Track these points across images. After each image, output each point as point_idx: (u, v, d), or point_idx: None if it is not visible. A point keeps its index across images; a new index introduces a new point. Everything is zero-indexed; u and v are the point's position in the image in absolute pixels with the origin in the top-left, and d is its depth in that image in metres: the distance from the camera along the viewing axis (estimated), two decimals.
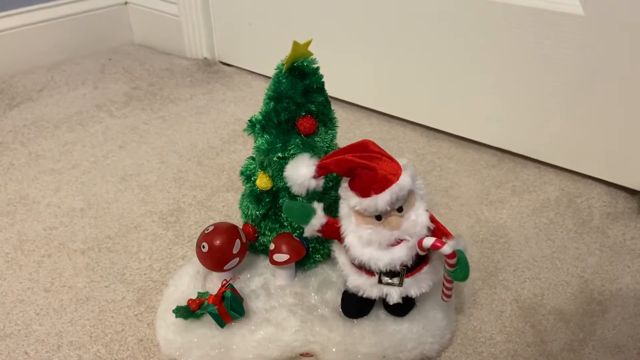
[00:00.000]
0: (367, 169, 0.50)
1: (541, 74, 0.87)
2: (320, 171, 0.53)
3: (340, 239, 0.55)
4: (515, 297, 0.70)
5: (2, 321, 0.66)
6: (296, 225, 0.64)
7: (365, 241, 0.52)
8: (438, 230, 0.54)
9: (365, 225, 0.52)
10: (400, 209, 0.52)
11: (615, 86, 0.81)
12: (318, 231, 0.55)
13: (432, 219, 0.54)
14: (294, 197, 0.60)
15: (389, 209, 0.51)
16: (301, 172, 0.53)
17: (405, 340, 0.59)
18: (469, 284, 0.71)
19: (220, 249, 0.60)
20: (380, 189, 0.50)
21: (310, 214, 0.55)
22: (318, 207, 0.55)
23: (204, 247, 0.60)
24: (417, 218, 0.52)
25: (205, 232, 0.61)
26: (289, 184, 0.55)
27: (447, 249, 0.51)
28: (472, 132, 1.01)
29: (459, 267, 0.52)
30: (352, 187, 0.52)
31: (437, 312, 0.61)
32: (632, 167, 0.85)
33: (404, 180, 0.50)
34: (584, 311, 0.68)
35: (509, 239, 0.79)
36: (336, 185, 0.64)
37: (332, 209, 0.61)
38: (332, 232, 0.55)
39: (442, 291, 0.59)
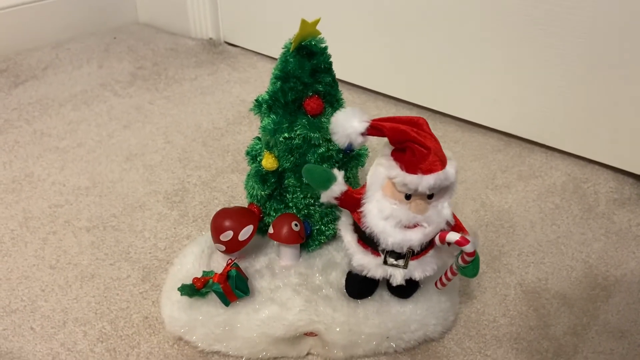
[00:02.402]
0: (422, 147, 0.48)
1: (549, 59, 0.86)
2: (371, 131, 0.51)
3: (354, 210, 0.54)
4: (519, 281, 0.70)
5: (7, 297, 0.67)
6: (301, 206, 0.64)
7: (386, 215, 0.51)
8: (457, 227, 0.54)
9: (392, 199, 0.51)
10: (431, 196, 0.51)
11: (624, 72, 0.80)
12: (336, 198, 0.54)
13: (453, 216, 0.53)
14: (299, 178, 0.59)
15: (427, 192, 0.50)
16: (353, 123, 0.51)
17: (409, 321, 0.59)
18: None
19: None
20: (428, 171, 0.48)
21: (331, 179, 0.53)
22: (339, 174, 0.54)
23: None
24: (442, 209, 0.52)
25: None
26: (333, 131, 0.52)
27: (470, 247, 0.51)
28: (478, 116, 1.00)
29: (472, 264, 0.53)
30: (398, 158, 0.50)
31: (440, 295, 0.61)
32: None
33: (450, 171, 0.49)
34: (588, 296, 0.68)
35: (513, 223, 0.79)
36: (352, 161, 0.63)
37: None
38: (349, 202, 0.54)
39: (440, 279, 0.59)
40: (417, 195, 0.50)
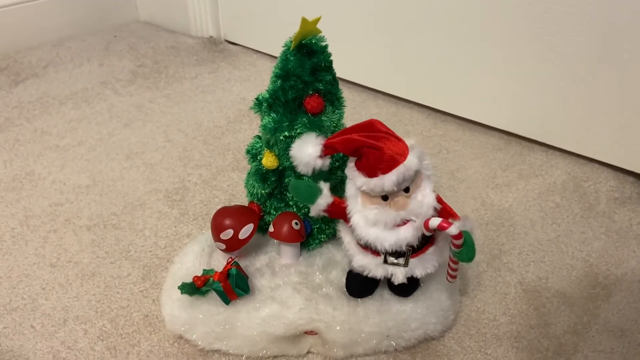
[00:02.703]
0: (373, 149, 0.50)
1: (550, 58, 0.86)
2: (327, 150, 0.53)
3: (346, 219, 0.55)
4: (520, 280, 0.70)
5: (8, 295, 0.67)
6: (301, 204, 0.64)
7: (372, 221, 0.52)
8: (444, 211, 0.54)
9: (372, 205, 0.52)
10: (407, 190, 0.51)
11: (624, 70, 0.80)
12: (324, 211, 0.55)
13: (439, 200, 0.53)
14: (300, 176, 0.59)
15: (395, 189, 0.50)
16: (307, 151, 0.53)
17: (409, 320, 0.59)
18: (474, 266, 0.71)
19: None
20: (387, 169, 0.49)
21: (316, 193, 0.54)
22: (324, 186, 0.55)
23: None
24: (423, 199, 0.52)
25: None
26: (294, 163, 0.55)
27: (453, 229, 0.51)
28: (479, 115, 1.00)
29: (465, 248, 0.52)
30: (359, 167, 0.52)
31: (441, 293, 0.61)
32: None
33: (411, 161, 0.50)
34: (589, 295, 0.68)
35: (514, 222, 0.79)
36: (342, 165, 0.63)
37: (338, 189, 0.60)
38: (338, 212, 0.55)
39: (447, 272, 0.59)
40: (392, 194, 0.51)
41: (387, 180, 0.49)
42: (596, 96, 0.85)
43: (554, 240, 0.76)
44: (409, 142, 0.52)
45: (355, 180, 0.52)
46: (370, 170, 0.50)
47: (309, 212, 0.65)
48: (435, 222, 0.51)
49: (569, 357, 0.60)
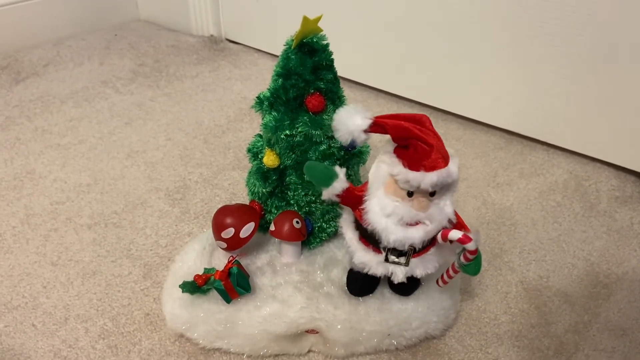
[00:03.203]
0: (425, 144, 0.48)
1: (551, 57, 0.86)
2: (374, 128, 0.51)
3: (356, 207, 0.54)
4: (521, 279, 0.70)
5: (9, 294, 0.67)
6: (302, 203, 0.64)
7: (388, 212, 0.51)
8: (459, 225, 0.54)
9: (395, 196, 0.51)
10: (433, 193, 0.51)
11: (626, 70, 0.80)
12: (337, 195, 0.54)
13: (455, 213, 0.53)
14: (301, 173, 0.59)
15: (430, 189, 0.49)
16: (355, 121, 0.51)
17: (410, 319, 0.59)
18: None
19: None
20: (430, 168, 0.48)
21: (333, 176, 0.53)
22: (340, 171, 0.54)
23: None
24: (444, 207, 0.52)
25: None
26: (335, 128, 0.52)
27: (472, 245, 0.51)
28: (480, 114, 1.00)
29: (474, 262, 0.52)
30: (401, 155, 0.50)
31: (442, 292, 0.61)
32: None
33: (453, 169, 0.49)
34: (590, 294, 0.68)
35: (515, 221, 0.79)
36: (354, 158, 0.63)
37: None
38: (351, 199, 0.54)
39: (442, 277, 0.59)
40: (419, 193, 0.50)
41: (427, 178, 0.48)
42: (597, 95, 0.85)
43: (555, 239, 0.76)
44: (449, 150, 0.51)
45: (392, 167, 0.50)
46: (414, 163, 0.49)
47: (310, 211, 0.65)
48: (456, 235, 0.51)
49: (570, 356, 0.60)
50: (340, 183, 0.53)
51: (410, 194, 0.50)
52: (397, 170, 0.50)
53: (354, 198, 0.54)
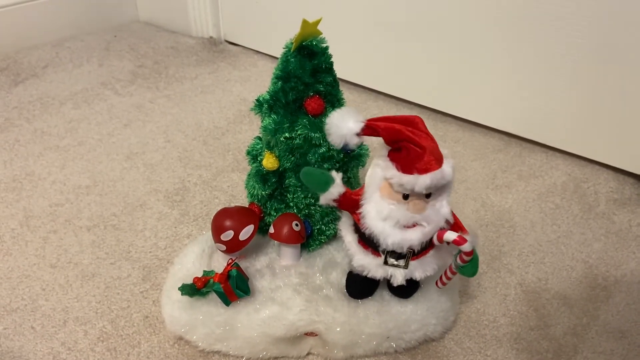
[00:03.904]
0: (417, 146, 0.48)
1: (550, 59, 0.86)
2: (367, 130, 0.51)
3: (354, 211, 0.54)
4: (520, 281, 0.70)
5: (8, 296, 0.67)
6: (302, 205, 0.64)
7: (384, 215, 0.51)
8: (456, 226, 0.54)
9: (390, 200, 0.51)
10: (428, 195, 0.51)
11: (624, 72, 0.80)
12: (334, 200, 0.54)
13: (452, 214, 0.53)
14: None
15: (424, 191, 0.49)
16: (348, 124, 0.51)
17: (409, 321, 0.59)
18: None
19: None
20: (423, 170, 0.48)
21: (329, 181, 0.53)
22: (337, 176, 0.54)
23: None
24: (440, 208, 0.52)
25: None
26: (329, 131, 0.52)
27: (468, 246, 0.51)
28: (479, 116, 1.00)
29: (470, 263, 0.52)
30: (394, 159, 0.50)
31: (441, 295, 0.61)
32: None
33: (447, 170, 0.49)
34: (588, 296, 0.68)
35: (514, 223, 0.79)
36: (353, 161, 0.63)
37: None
38: (348, 203, 0.54)
39: (440, 278, 0.59)
40: (414, 195, 0.50)
41: (421, 181, 0.48)
42: (596, 97, 0.85)
43: (554, 241, 0.76)
44: (443, 151, 0.51)
45: (386, 171, 0.51)
46: (407, 166, 0.49)
47: (309, 213, 0.65)
48: (451, 236, 0.51)
49: (569, 359, 0.60)
50: (336, 188, 0.53)
51: (405, 196, 0.51)
52: (390, 174, 0.50)
53: (351, 202, 0.54)
